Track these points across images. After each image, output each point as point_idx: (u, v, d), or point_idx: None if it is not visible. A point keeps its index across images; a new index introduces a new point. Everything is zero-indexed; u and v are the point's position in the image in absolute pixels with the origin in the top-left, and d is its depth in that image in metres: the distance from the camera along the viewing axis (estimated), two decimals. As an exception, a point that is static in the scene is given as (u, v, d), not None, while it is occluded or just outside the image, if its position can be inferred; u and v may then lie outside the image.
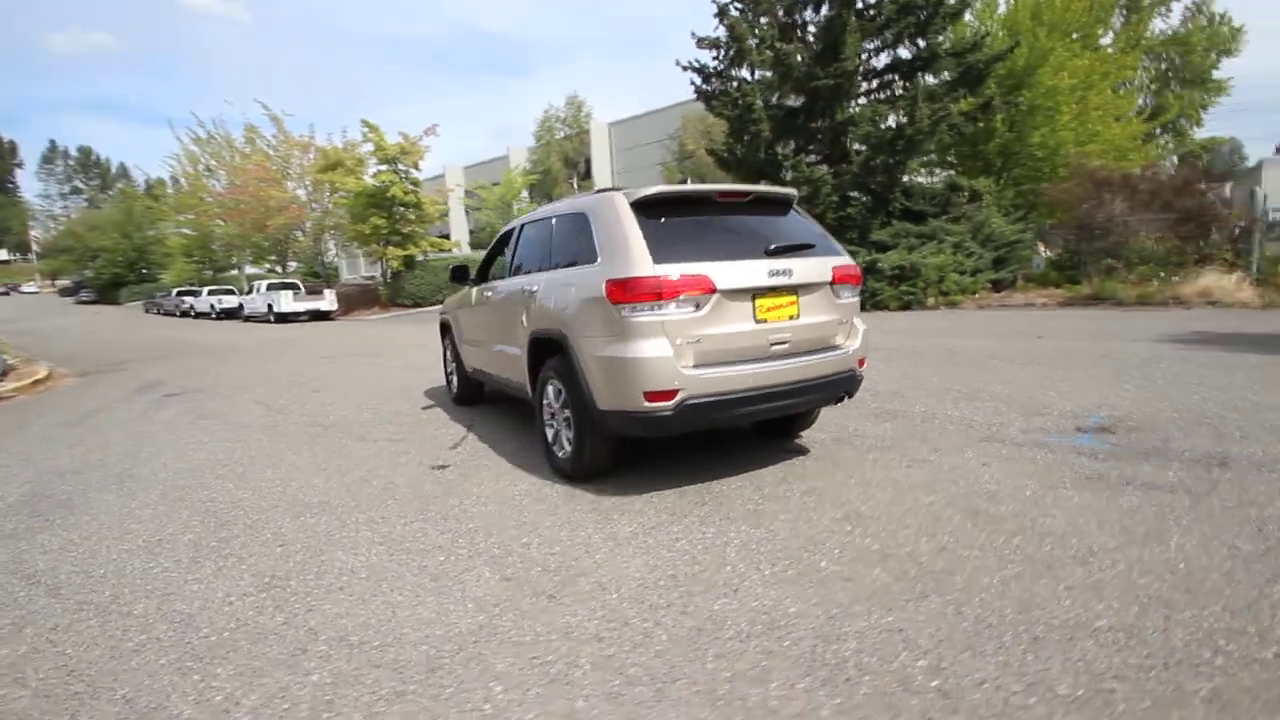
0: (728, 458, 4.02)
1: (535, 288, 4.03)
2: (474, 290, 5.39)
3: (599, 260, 3.43)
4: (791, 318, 3.45)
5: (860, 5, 16.55)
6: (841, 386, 3.68)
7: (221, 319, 26.83)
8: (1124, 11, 25.66)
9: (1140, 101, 25.77)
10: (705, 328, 3.22)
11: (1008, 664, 1.91)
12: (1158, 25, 28.31)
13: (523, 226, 4.72)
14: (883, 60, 17.49)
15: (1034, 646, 1.99)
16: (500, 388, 5.14)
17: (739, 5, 18.18)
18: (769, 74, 17.00)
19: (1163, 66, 28.25)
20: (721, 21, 18.05)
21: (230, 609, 2.52)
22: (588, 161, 34.63)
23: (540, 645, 2.15)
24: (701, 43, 18.16)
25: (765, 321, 3.37)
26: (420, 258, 24.07)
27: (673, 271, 3.16)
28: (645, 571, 2.62)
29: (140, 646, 2.29)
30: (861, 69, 16.46)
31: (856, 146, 17.49)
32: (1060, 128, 17.84)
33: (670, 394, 3.16)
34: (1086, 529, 2.77)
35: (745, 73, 18.37)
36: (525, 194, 28.73)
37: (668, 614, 2.29)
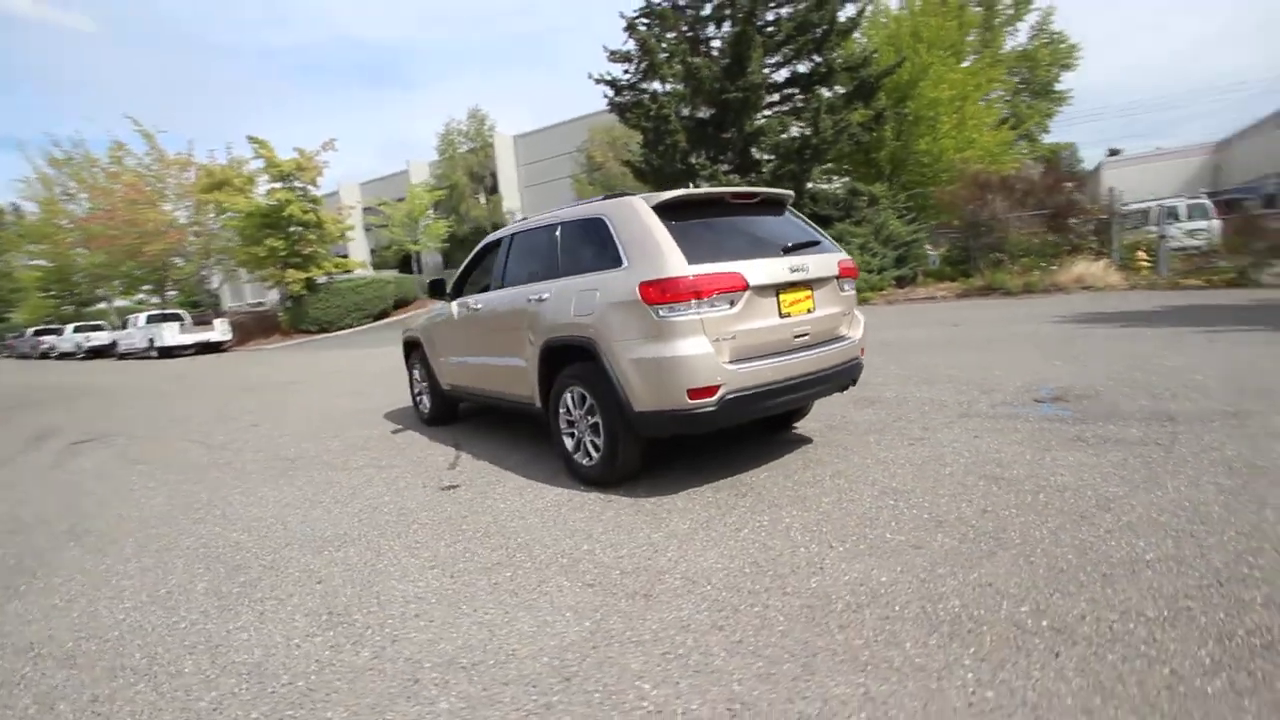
0: (740, 453, 4.15)
1: (544, 296, 3.98)
2: (453, 305, 5.23)
3: (626, 264, 3.46)
4: (809, 311, 3.64)
5: (761, 23, 17.51)
6: (849, 374, 3.91)
7: (90, 358, 24.05)
8: (982, 30, 28.61)
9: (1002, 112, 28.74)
10: (739, 324, 3.34)
11: (1095, 599, 2.14)
12: (1012, 42, 31.88)
13: (513, 236, 4.65)
14: (784, 74, 18.56)
15: (1108, 582, 2.23)
16: (488, 402, 5.01)
17: (646, 21, 18.70)
18: (680, 87, 17.53)
19: (1016, 80, 31.57)
20: (631, 35, 18.47)
21: (302, 651, 2.34)
22: (493, 175, 34.08)
23: (664, 641, 2.16)
24: (614, 56, 18.49)
25: (788, 316, 3.54)
26: (323, 280, 22.72)
27: (707, 270, 3.26)
28: (725, 562, 2.69)
29: (218, 704, 2.08)
30: (766, 83, 17.33)
31: (765, 156, 18.44)
32: (942, 136, 19.58)
33: (713, 390, 3.25)
34: (1094, 482, 3.12)
35: (656, 85, 18.90)
36: (431, 210, 27.86)
37: (771, 597, 2.37)
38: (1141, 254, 13.73)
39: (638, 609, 2.39)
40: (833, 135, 16.35)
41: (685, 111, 17.91)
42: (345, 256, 28.79)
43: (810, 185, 18.65)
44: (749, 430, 4.65)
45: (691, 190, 3.72)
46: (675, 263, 3.27)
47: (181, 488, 4.71)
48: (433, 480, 4.28)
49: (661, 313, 3.24)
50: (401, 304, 25.54)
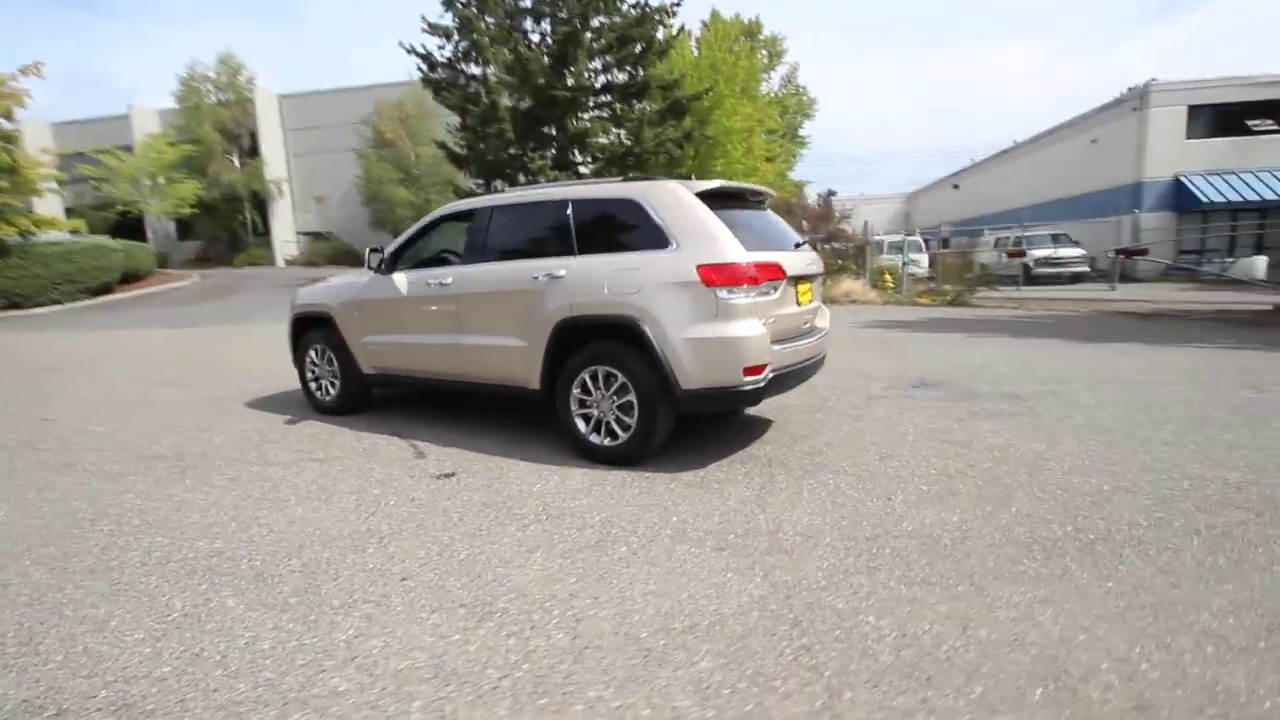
0: (716, 436, 4.45)
1: (558, 273, 3.86)
2: (395, 278, 4.67)
3: (674, 246, 3.57)
4: (810, 302, 4.12)
5: (581, 26, 17.90)
6: (823, 361, 4.48)
7: None
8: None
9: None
10: (776, 309, 3.67)
11: (1094, 514, 2.92)
12: (765, 88, 36.88)
13: (493, 209, 4.35)
14: (603, 81, 19.22)
15: (1094, 504, 3.05)
16: (436, 387, 4.62)
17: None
18: (507, 76, 17.13)
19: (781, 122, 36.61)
20: (449, 10, 17.52)
21: (480, 647, 2.09)
22: (253, 136, 29.33)
23: (845, 584, 2.40)
24: (433, 29, 17.35)
25: (800, 305, 3.97)
26: (14, 240, 17.48)
27: (757, 258, 3.53)
28: (818, 518, 3.00)
29: (434, 705, 1.80)
30: (591, 86, 17.81)
31: (588, 157, 18.91)
32: (734, 162, 22.08)
33: (762, 368, 3.53)
34: (1016, 441, 4.09)
35: (475, 68, 18.20)
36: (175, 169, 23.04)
37: (889, 540, 2.75)
38: (888, 276, 17.13)
39: (789, 563, 2.59)
40: (654, 147, 17.44)
41: (509, 102, 17.55)
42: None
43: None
44: (705, 419, 4.99)
45: (732, 182, 3.93)
46: (734, 248, 3.49)
47: (34, 497, 3.53)
48: (413, 470, 3.85)
49: (722, 294, 3.44)
50: (131, 278, 20.66)
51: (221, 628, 2.23)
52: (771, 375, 3.59)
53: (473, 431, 4.61)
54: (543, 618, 2.24)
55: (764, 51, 37.28)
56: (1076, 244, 20.11)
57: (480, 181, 18.71)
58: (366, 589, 2.47)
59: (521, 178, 18.63)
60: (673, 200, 3.67)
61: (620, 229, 3.81)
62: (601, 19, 18.26)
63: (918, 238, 22.31)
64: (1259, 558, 2.55)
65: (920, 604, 2.27)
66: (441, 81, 18.01)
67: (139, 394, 6.30)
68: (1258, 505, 3.03)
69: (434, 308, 4.45)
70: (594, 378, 3.78)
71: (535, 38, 18.45)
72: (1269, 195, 20.02)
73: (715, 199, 3.78)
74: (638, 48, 18.18)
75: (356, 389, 5.13)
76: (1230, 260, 19.26)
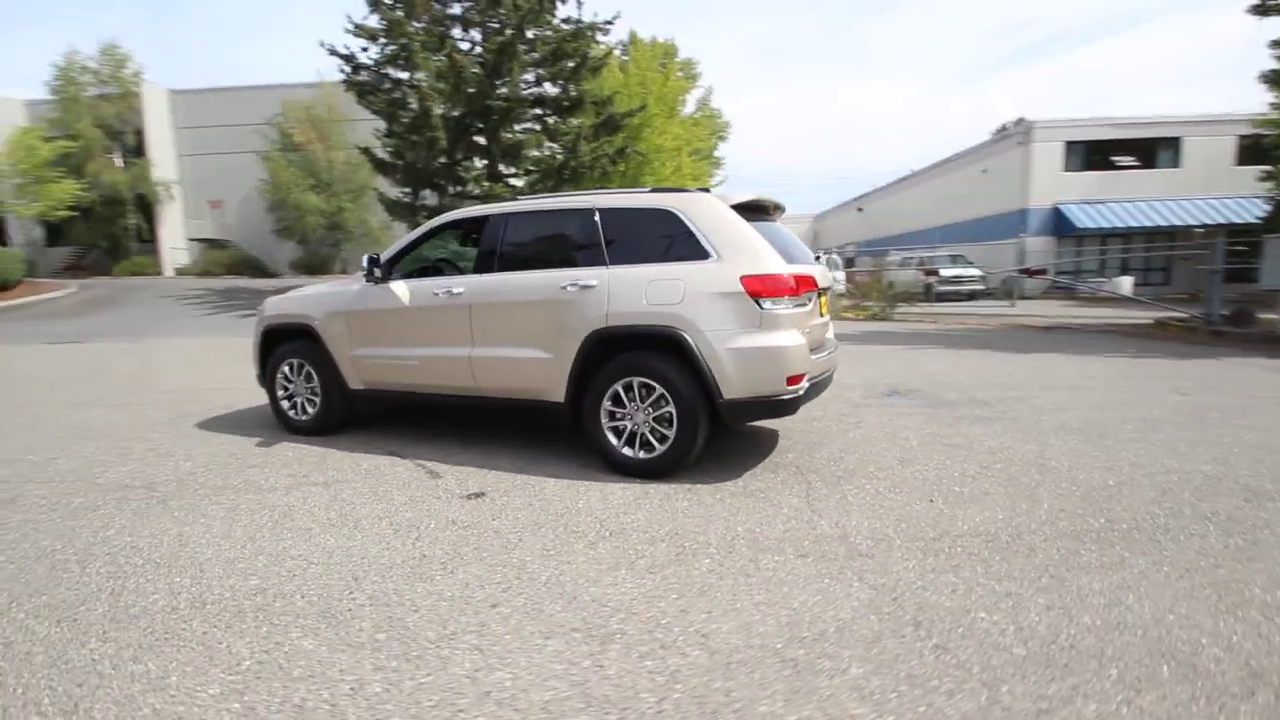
0: (734, 447, 4.50)
1: (589, 283, 3.77)
2: (395, 287, 4.39)
3: (716, 257, 3.58)
4: (826, 314, 4.25)
5: (515, 37, 17.72)
6: (834, 373, 4.61)
7: None
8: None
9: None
10: (809, 320, 3.76)
11: (1118, 504, 3.18)
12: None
13: (509, 217, 4.19)
14: (534, 93, 19.06)
15: (1110, 494, 3.32)
16: (444, 401, 4.38)
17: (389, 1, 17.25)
18: (438, 82, 16.62)
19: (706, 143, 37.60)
20: (374, 10, 16.86)
21: (618, 671, 1.98)
22: (139, 133, 26.78)
23: (945, 584, 2.48)
24: (360, 31, 16.61)
25: (822, 317, 4.09)
26: None
27: (796, 270, 3.60)
28: (876, 521, 3.08)
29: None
30: (528, 97, 17.62)
31: (523, 168, 18.64)
32: (664, 179, 22.47)
33: (802, 376, 3.60)
34: (1007, 444, 4.38)
35: (402, 73, 17.56)
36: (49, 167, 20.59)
37: (954, 542, 2.87)
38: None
39: (876, 566, 2.64)
40: (590, 161, 17.46)
41: (440, 110, 17.04)
42: None
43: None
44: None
45: (760, 195, 3.99)
46: (776, 260, 3.56)
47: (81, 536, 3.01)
48: (435, 491, 3.61)
49: (766, 305, 3.48)
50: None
51: (313, 674, 1.99)
52: (808, 384, 3.67)
53: (475, 449, 4.39)
54: (667, 635, 2.16)
55: (679, 73, 38.37)
56: (971, 264, 21.97)
57: (408, 190, 18.01)
58: (458, 619, 2.28)
59: (452, 188, 18.17)
60: (711, 212, 3.69)
61: (654, 239, 3.78)
62: (535, 31, 18.17)
63: (836, 256, 23.63)
64: (1268, 538, 2.86)
65: (1018, 598, 2.38)
66: (366, 85, 17.25)
67: (64, 417, 5.54)
68: (1242, 493, 3.41)
69: (443, 319, 4.22)
70: (628, 389, 3.72)
71: (465, 46, 18.06)
72: (1131, 222, 22.75)
73: (745, 211, 3.84)
74: (571, 63, 18.20)
75: (341, 407, 4.76)
76: (1102, 280, 21.66)
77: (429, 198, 18.06)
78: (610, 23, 18.19)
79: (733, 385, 3.51)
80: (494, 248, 4.18)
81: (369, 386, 4.60)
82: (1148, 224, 22.65)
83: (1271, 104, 18.65)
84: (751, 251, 3.58)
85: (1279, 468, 3.80)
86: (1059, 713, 1.77)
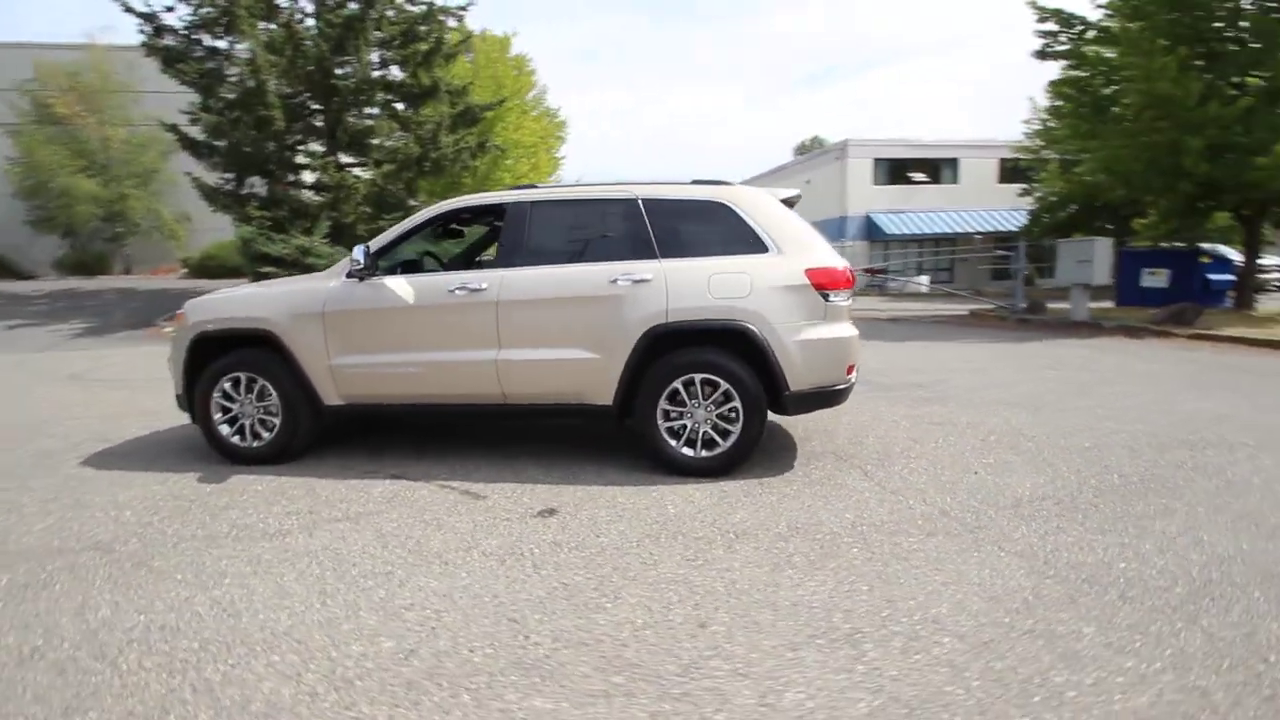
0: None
1: (644, 277, 3.56)
2: (392, 283, 3.76)
3: (776, 251, 3.57)
4: None
5: (363, 12, 16.11)
6: None
7: None
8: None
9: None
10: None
11: (1151, 463, 3.74)
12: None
13: (533, 205, 3.79)
14: (384, 75, 17.46)
15: (1130, 454, 3.89)
16: (451, 411, 3.88)
17: (201, -43, 14.76)
18: (269, 54, 14.51)
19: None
20: (180, -35, 14.34)
21: (899, 671, 1.91)
22: None
23: (1068, 543, 2.73)
24: (169, -13, 13.98)
25: (842, 309, 4.27)
26: None
27: (845, 264, 3.72)
28: (959, 499, 3.29)
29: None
30: (380, 80, 16.08)
31: (363, 157, 16.96)
32: (521, 176, 21.86)
33: (854, 366, 3.73)
34: (982, 419, 4.93)
35: (221, 40, 15.12)
36: None
37: (1036, 506, 3.17)
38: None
39: (1000, 536, 2.82)
40: (453, 153, 16.44)
41: (272, 84, 14.91)
42: None
43: (413, 201, 18.08)
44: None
45: (792, 190, 4.01)
46: (833, 253, 3.65)
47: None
48: (493, 512, 3.19)
49: (831, 297, 3.56)
50: None
51: (583, 735, 1.66)
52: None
53: (488, 462, 3.94)
54: (904, 627, 2.13)
55: (515, 70, 37.60)
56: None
57: (230, 176, 15.54)
58: (682, 646, 2.05)
59: (288, 175, 16.06)
60: (765, 206, 3.69)
61: (705, 232, 3.68)
62: (385, 10, 16.66)
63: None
64: (1237, 477, 3.53)
65: (1130, 548, 2.69)
66: (173, 51, 14.58)
67: None
68: (1179, 445, 4.17)
69: (460, 319, 3.72)
70: (688, 387, 3.58)
71: (298, 16, 16.02)
72: (925, 229, 26.70)
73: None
74: (424, 46, 16.97)
75: (309, 427, 3.99)
76: (905, 279, 25.18)
77: (258, 185, 15.75)
78: (464, 8, 17.28)
79: (800, 377, 3.54)
80: (520, 239, 3.78)
81: (351, 401, 3.91)
82: (937, 231, 26.73)
83: (1024, 134, 22.92)
84: (810, 245, 3.64)
85: (1182, 422, 4.71)
86: (1259, 632, 2.05)
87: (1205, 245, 14.84)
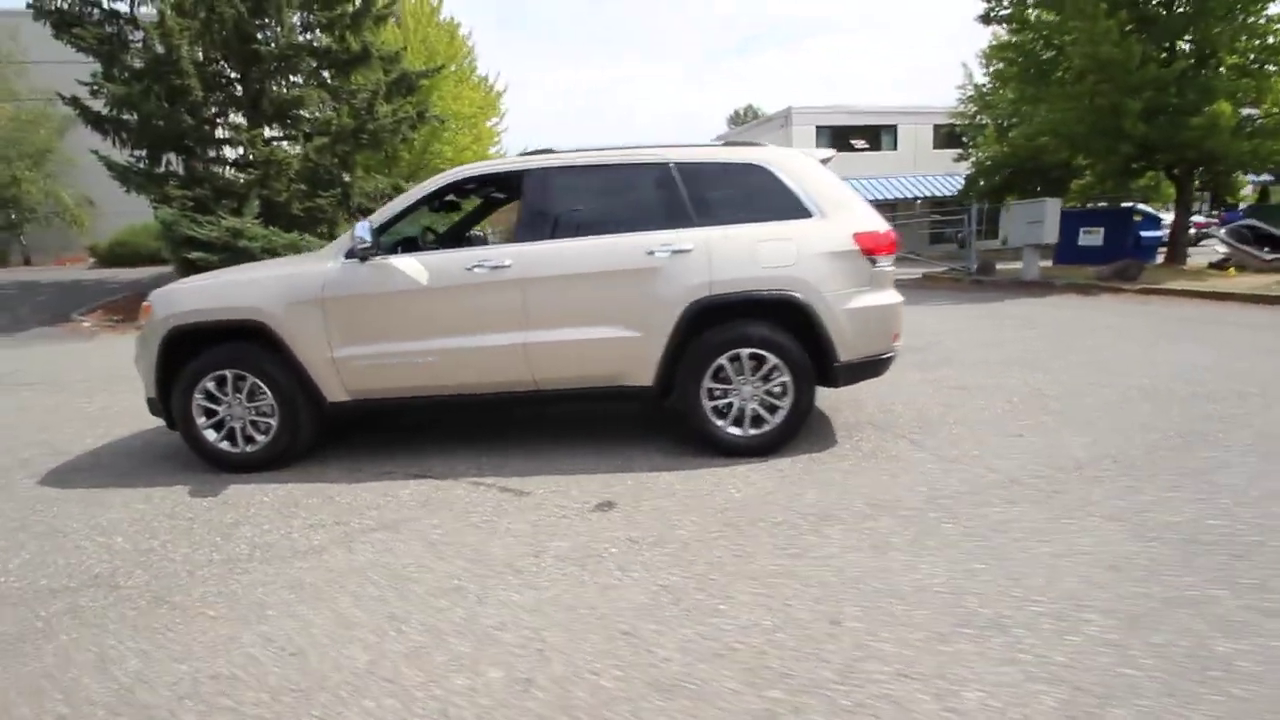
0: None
1: (684, 247, 3.30)
2: (406, 262, 3.37)
3: (819, 215, 3.38)
4: None
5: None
6: None
7: None
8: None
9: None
10: None
11: (1185, 416, 3.80)
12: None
13: (551, 172, 3.45)
14: (308, 40, 16.14)
15: (1168, 407, 3.95)
16: (470, 401, 3.55)
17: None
18: (181, 18, 13.12)
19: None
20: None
21: (1054, 659, 1.80)
22: None
23: (1156, 500, 2.70)
24: (53, -65, 12.37)
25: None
26: None
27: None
28: (1026, 462, 3.24)
29: None
30: (307, 46, 14.84)
31: (290, 130, 15.75)
32: (462, 148, 20.90)
33: (899, 334, 3.61)
34: (998, 381, 4.95)
35: (121, 2, 13.58)
36: None
37: (1101, 466, 3.15)
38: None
39: (1080, 500, 2.77)
40: (392, 124, 15.45)
41: (185, 50, 13.54)
42: None
43: (347, 176, 16.99)
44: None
45: (829, 152, 3.80)
46: (876, 216, 3.48)
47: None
48: (547, 512, 2.92)
49: (879, 263, 3.41)
50: None
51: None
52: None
53: (510, 454, 3.65)
54: (1045, 608, 2.01)
55: (447, 35, 35.80)
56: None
57: (141, 153, 14.12)
58: (822, 650, 1.87)
59: (209, 151, 14.75)
60: (805, 167, 3.48)
61: (743, 197, 3.44)
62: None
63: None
64: (1274, 423, 3.62)
65: (1208, 502, 2.69)
66: (67, 14, 12.99)
67: None
68: (1206, 395, 4.24)
69: (482, 300, 3.37)
70: (734, 362, 3.38)
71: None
72: (868, 196, 27.11)
73: (817, 166, 3.70)
74: (351, 6, 15.77)
75: (311, 428, 3.58)
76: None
77: (175, 163, 14.40)
78: (394, -35, 16.13)
79: (850, 347, 3.39)
80: (543, 209, 3.45)
81: (359, 396, 3.51)
82: (879, 197, 27.28)
83: (958, 100, 23.49)
84: (852, 207, 3.47)
85: (1178, 374, 4.84)
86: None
87: (1133, 204, 15.69)
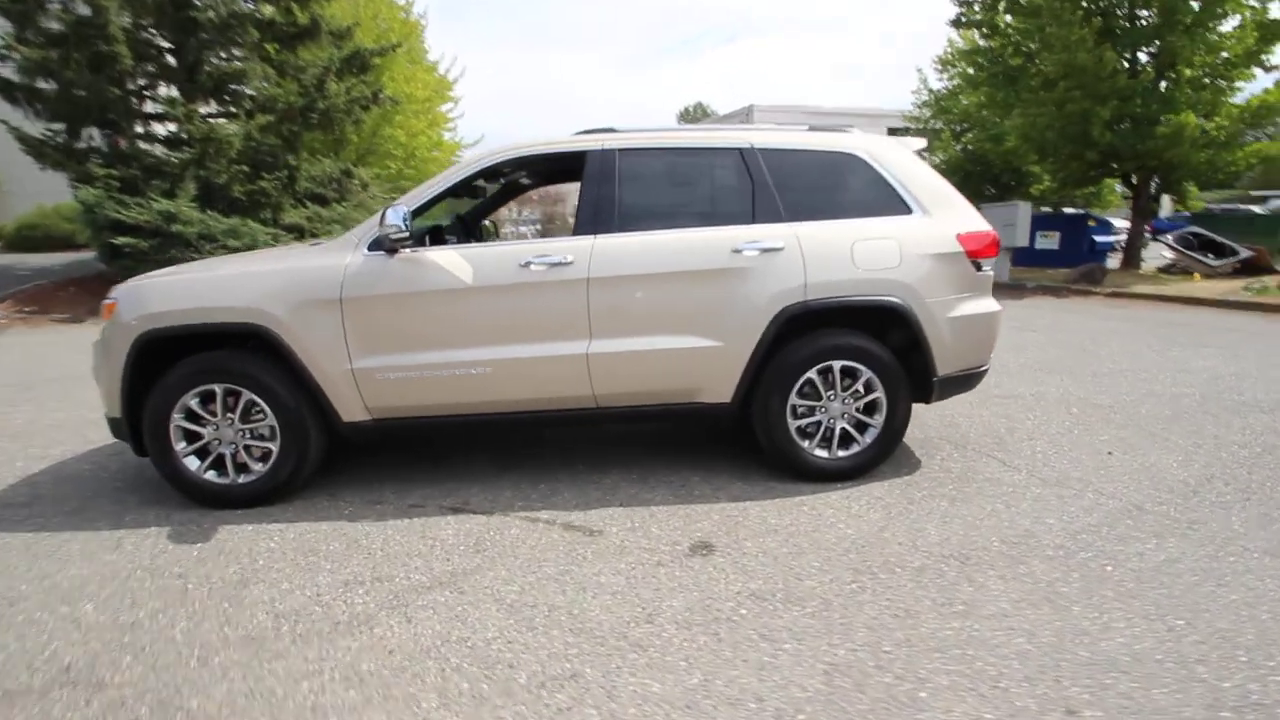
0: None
1: (775, 245, 2.88)
2: (445, 257, 2.81)
3: (920, 212, 3.02)
4: None
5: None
6: None
7: None
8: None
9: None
10: None
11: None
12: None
13: (619, 154, 2.95)
14: (250, 10, 14.81)
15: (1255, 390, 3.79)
16: (523, 419, 3.02)
17: None
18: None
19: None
20: None
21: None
22: None
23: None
24: None
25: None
26: None
27: (987, 226, 3.24)
28: (1134, 483, 2.99)
29: None
30: (248, 14, 13.59)
31: (229, 107, 14.45)
32: (417, 133, 19.83)
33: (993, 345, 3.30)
34: (1036, 389, 4.76)
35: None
36: None
37: (1218, 484, 2.92)
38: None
39: (1219, 531, 2.52)
40: (345, 104, 14.40)
41: (113, 12, 12.13)
42: None
43: (292, 158, 15.76)
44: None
45: (921, 142, 3.43)
46: (978, 215, 3.16)
47: None
48: (633, 557, 2.46)
49: (984, 267, 3.08)
50: None
51: None
52: (985, 354, 3.41)
53: (555, 478, 3.17)
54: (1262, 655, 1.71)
55: (401, 13, 34.18)
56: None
57: (60, 127, 12.63)
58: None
59: (137, 126, 13.34)
60: (903, 158, 3.11)
61: (836, 189, 3.05)
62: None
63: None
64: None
65: (1366, 536, 2.49)
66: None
67: None
68: (1256, 405, 4.15)
69: (540, 302, 2.85)
70: (828, 376, 2.99)
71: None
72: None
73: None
74: (296, -24, 14.59)
75: (319, 454, 2.98)
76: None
77: (99, 139, 12.96)
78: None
79: (949, 360, 3.06)
80: (608, 197, 2.95)
81: (381, 415, 2.93)
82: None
83: (912, 104, 23.96)
84: (955, 204, 3.13)
85: (1211, 382, 4.77)
86: None
87: (1086, 210, 16.26)
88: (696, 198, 3.07)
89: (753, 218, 2.97)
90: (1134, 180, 13.54)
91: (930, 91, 22.51)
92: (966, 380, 3.21)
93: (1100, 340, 6.68)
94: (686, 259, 2.90)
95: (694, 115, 57.76)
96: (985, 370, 3.26)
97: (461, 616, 2.08)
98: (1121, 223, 16.66)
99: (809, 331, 2.97)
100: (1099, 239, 15.30)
